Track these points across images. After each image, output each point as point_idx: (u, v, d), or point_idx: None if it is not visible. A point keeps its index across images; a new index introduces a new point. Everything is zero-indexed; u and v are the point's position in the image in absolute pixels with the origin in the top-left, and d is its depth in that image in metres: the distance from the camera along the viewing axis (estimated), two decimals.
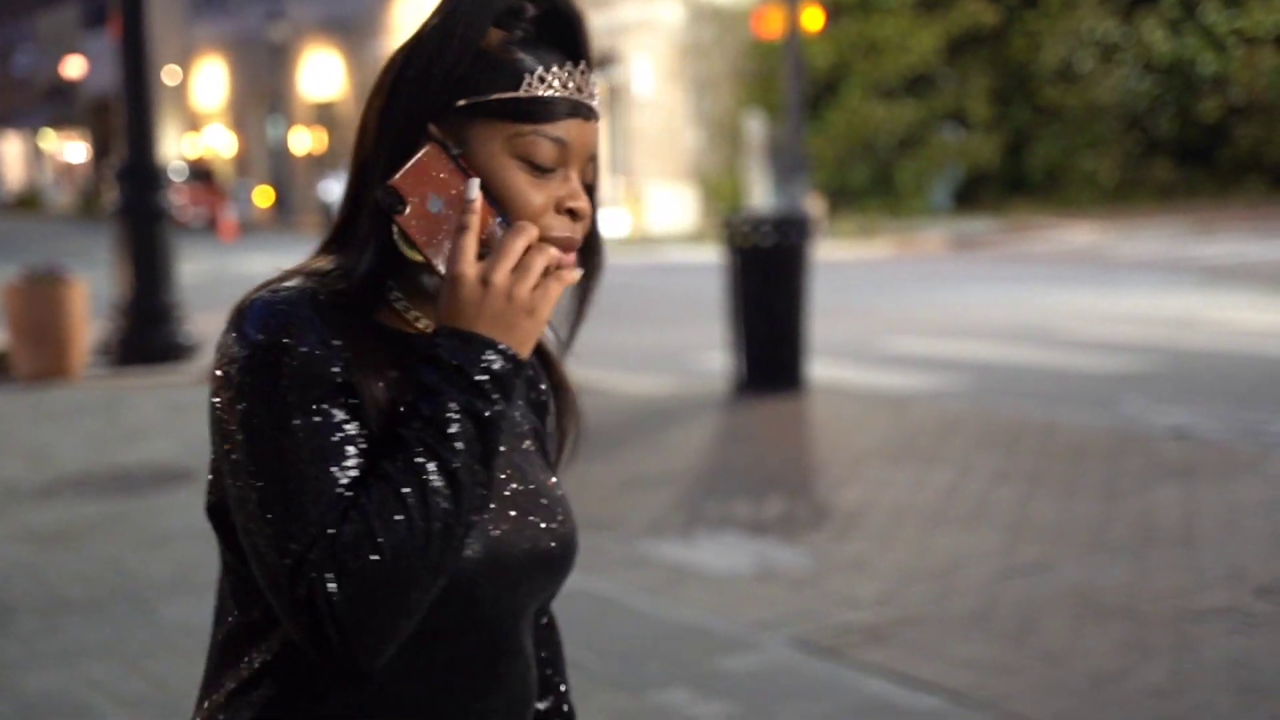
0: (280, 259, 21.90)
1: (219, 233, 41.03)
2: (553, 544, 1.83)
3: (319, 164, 46.22)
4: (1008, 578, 6.60)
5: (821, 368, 12.09)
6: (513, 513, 1.81)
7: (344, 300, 1.74)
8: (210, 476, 1.77)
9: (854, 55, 33.37)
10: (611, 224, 33.95)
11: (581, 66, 1.79)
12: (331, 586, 1.60)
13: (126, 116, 13.77)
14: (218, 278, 26.00)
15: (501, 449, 1.81)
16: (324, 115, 48.36)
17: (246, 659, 1.77)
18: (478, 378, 1.66)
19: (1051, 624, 5.98)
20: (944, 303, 17.99)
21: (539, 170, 1.75)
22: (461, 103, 1.75)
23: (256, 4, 50.19)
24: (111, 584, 7.00)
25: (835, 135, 33.12)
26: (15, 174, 67.69)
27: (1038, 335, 14.62)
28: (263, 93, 51.14)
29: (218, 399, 1.70)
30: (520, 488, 1.83)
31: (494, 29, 1.77)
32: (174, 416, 11.51)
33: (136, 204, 13.68)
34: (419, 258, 1.75)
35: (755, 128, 32.64)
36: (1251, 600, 6.15)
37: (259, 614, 1.75)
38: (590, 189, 1.83)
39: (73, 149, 63.95)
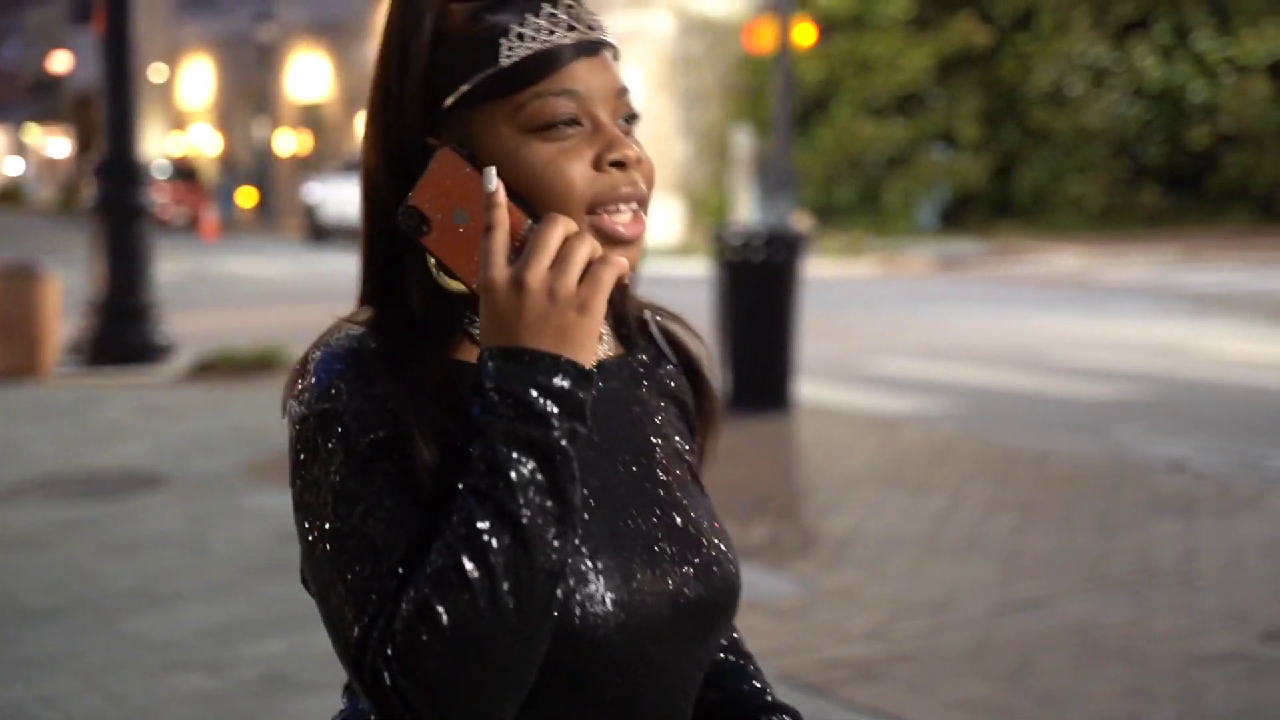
0: (261, 261, 21.72)
1: (200, 232, 40.75)
2: (709, 594, 1.59)
3: (304, 166, 45.96)
4: (1003, 613, 6.37)
5: (807, 387, 11.86)
6: (652, 552, 1.56)
7: (404, 351, 1.53)
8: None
9: (845, 72, 33.23)
10: None
11: (567, 2, 1.56)
12: (396, 668, 1.41)
13: (108, 112, 13.51)
14: (197, 277, 25.77)
15: (639, 483, 1.60)
16: (310, 117, 48.13)
17: None
18: (530, 398, 1.41)
19: (1050, 664, 5.75)
20: (930, 324, 17.79)
21: (558, 130, 1.52)
22: (448, 101, 1.53)
23: (245, 4, 49.94)
24: (73, 593, 6.75)
25: (824, 152, 32.98)
26: None
27: (1026, 359, 14.42)
28: (249, 93, 50.88)
29: (289, 472, 1.55)
30: (667, 531, 1.59)
31: (458, 4, 1.55)
32: (147, 418, 11.26)
33: (115, 200, 13.41)
34: (459, 285, 1.52)
35: (744, 142, 32.46)
36: (1258, 645, 5.92)
37: None
38: (636, 121, 1.61)
39: (56, 144, 63.62)
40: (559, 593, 1.45)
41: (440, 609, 1.39)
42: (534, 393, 1.41)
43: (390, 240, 1.56)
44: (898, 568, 7.07)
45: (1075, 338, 16.20)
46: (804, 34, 29.34)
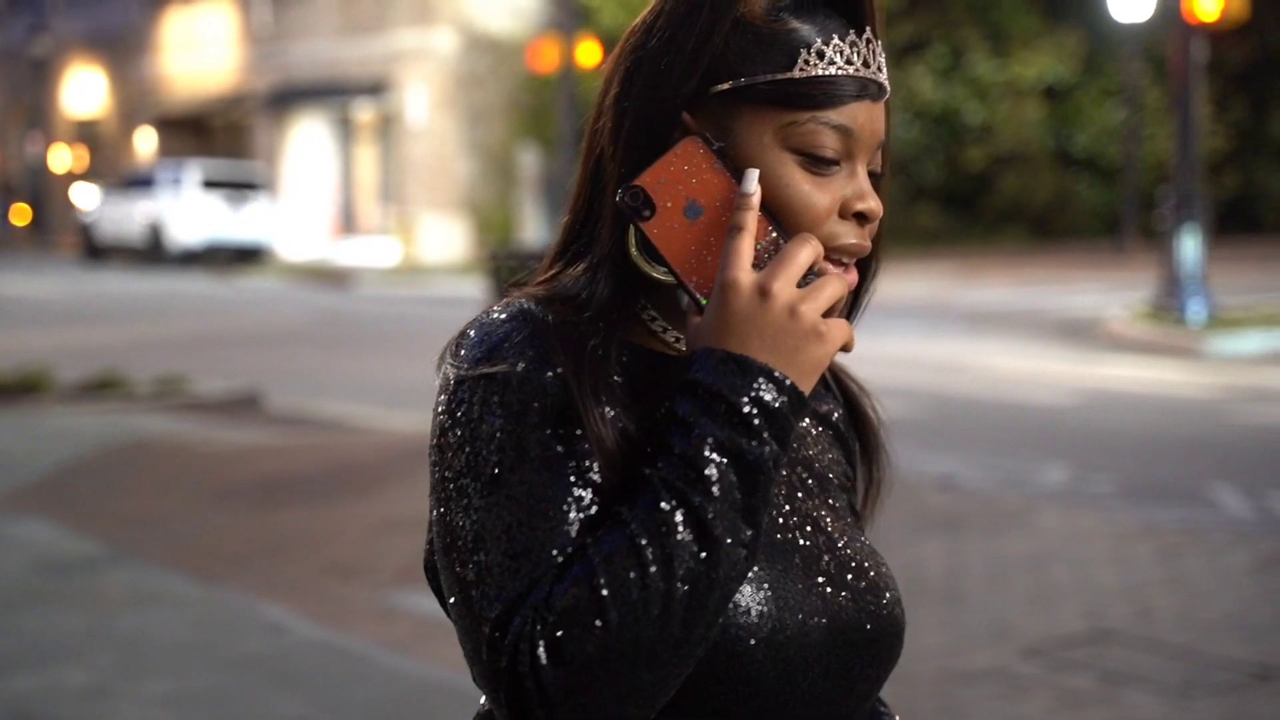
0: (33, 280, 21.20)
1: None
2: (867, 625, 1.50)
3: (79, 183, 44.92)
4: None
5: None
6: (811, 581, 1.48)
7: (577, 324, 1.44)
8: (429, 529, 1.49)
9: None
10: (381, 253, 33.50)
11: (867, 35, 1.48)
12: (542, 658, 1.30)
13: None
14: None
15: (798, 497, 1.53)
16: (85, 133, 47.10)
17: None
18: (746, 409, 1.33)
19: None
20: None
21: (821, 165, 1.45)
22: (723, 86, 1.44)
23: (18, 17, 48.70)
24: None
25: None
26: None
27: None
28: (22, 108, 49.59)
29: (431, 439, 1.45)
30: (824, 550, 1.51)
31: None
32: None
33: None
34: (666, 276, 1.43)
35: (529, 160, 32.43)
36: (1018, 662, 6.00)
37: None
38: (877, 180, 1.54)
39: None
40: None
41: (610, 601, 1.29)
42: (748, 405, 1.34)
43: (594, 208, 1.49)
44: None
45: (851, 355, 16.36)
46: (588, 53, 29.43)
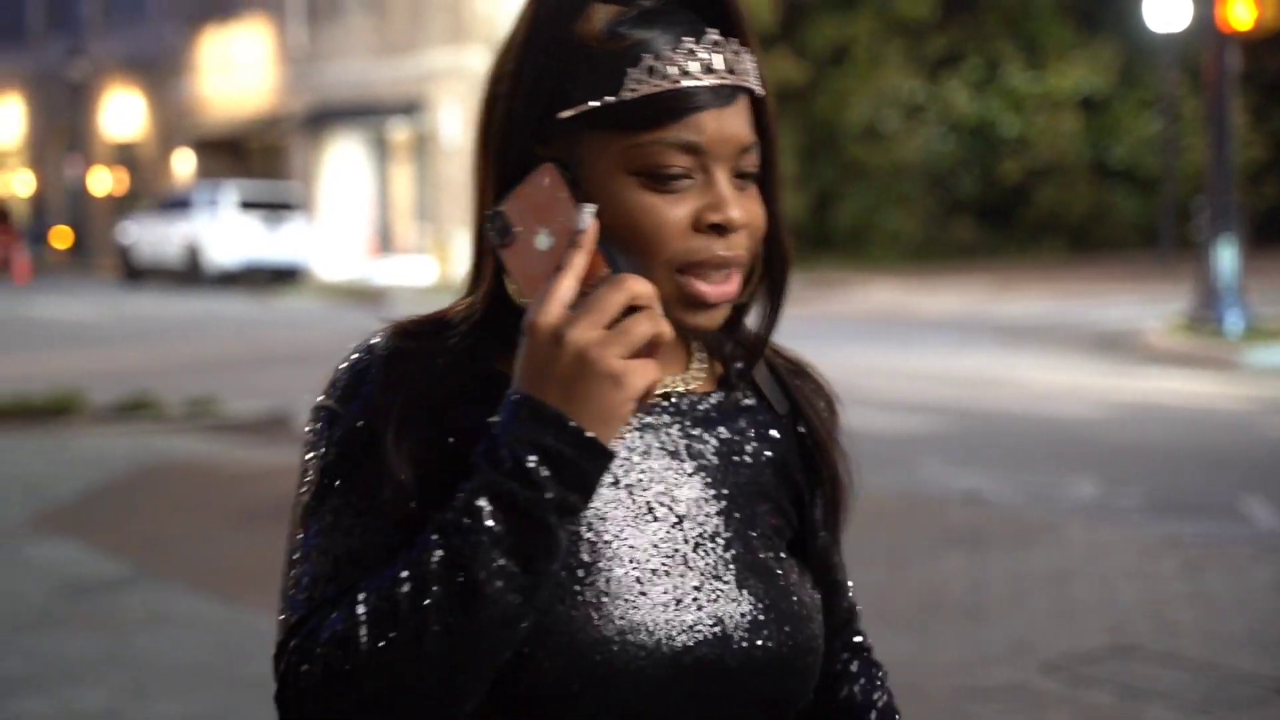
0: (73, 303, 21.27)
1: (12, 275, 39.83)
2: (734, 660, 1.45)
3: (119, 205, 45.18)
4: None
5: None
6: (668, 615, 1.44)
7: (423, 357, 1.47)
8: None
9: None
10: (416, 272, 33.56)
11: (713, 37, 1.43)
12: (303, 673, 1.36)
13: None
14: (5, 322, 25.17)
15: (662, 531, 1.48)
16: (125, 155, 47.36)
17: None
18: (527, 457, 1.32)
19: None
20: None
21: (667, 182, 1.42)
22: (564, 114, 1.43)
23: (56, 40, 49.05)
24: None
25: None
26: None
27: (837, 392, 14.47)
28: (62, 131, 49.91)
29: None
30: (686, 586, 1.46)
31: (602, 5, 1.44)
32: None
33: None
34: (525, 302, 1.43)
35: None
36: (1037, 677, 5.95)
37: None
38: (763, 180, 1.49)
39: None
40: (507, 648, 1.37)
41: (363, 636, 1.33)
42: (533, 455, 1.33)
43: (479, 236, 1.51)
44: None
45: (887, 370, 16.34)
46: None
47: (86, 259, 46.36)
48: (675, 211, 1.43)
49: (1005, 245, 34.97)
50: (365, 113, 36.92)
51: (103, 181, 47.93)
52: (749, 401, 1.62)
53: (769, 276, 1.57)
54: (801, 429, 1.65)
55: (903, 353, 18.10)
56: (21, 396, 13.26)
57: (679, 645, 1.44)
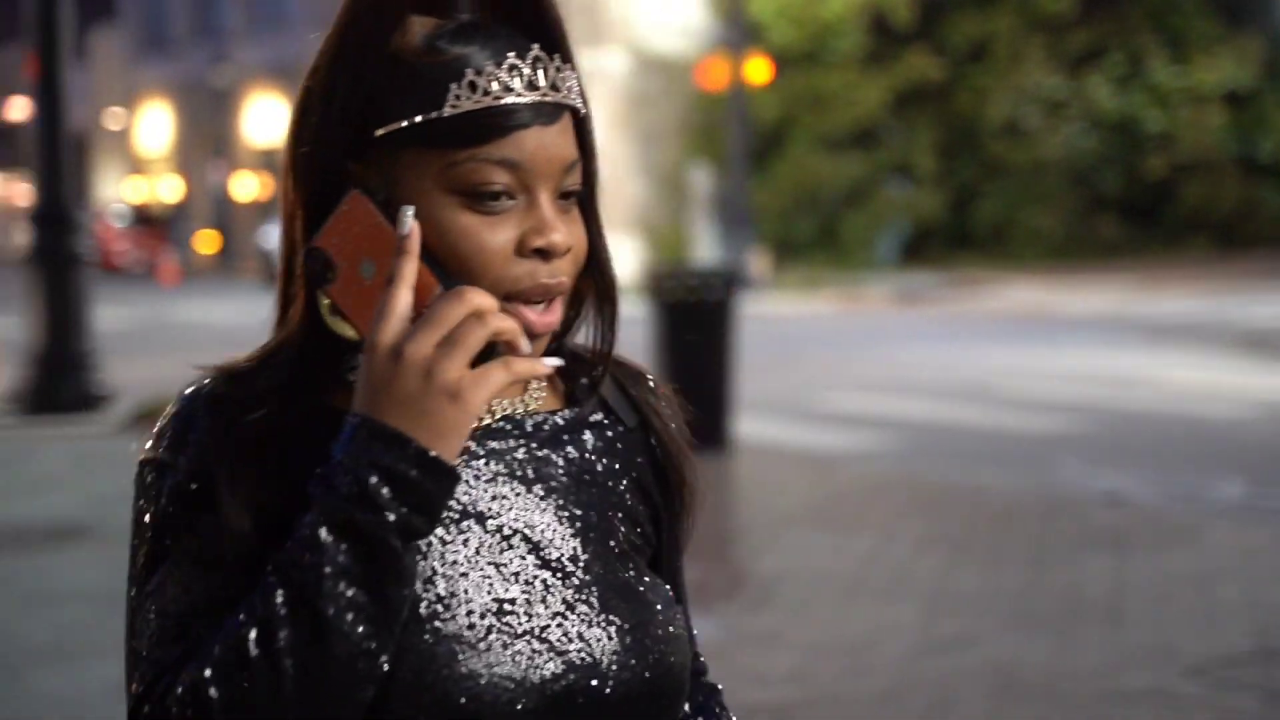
0: (218, 306, 21.58)
1: (159, 278, 40.59)
2: (606, 687, 1.40)
3: (263, 210, 45.86)
4: (924, 653, 6.26)
5: (752, 425, 11.76)
6: (519, 648, 1.38)
7: (245, 401, 1.41)
8: None
9: (800, 108, 33.27)
10: None
11: (534, 53, 1.39)
12: None
13: (39, 158, 13.38)
14: (153, 324, 25.63)
15: (507, 556, 1.42)
16: (268, 160, 48.04)
17: None
18: (368, 479, 1.28)
19: (968, 704, 5.65)
20: (885, 359, 17.72)
21: (486, 202, 1.36)
22: (379, 132, 1.37)
23: (200, 48, 49.89)
24: None
25: (781, 188, 32.99)
26: None
27: (976, 393, 14.35)
28: (207, 137, 50.76)
29: None
30: (539, 605, 1.41)
31: (420, 18, 1.38)
32: (79, 469, 11.10)
33: (49, 248, 13.27)
34: (353, 333, 1.39)
35: (700, 179, 32.45)
36: (1179, 681, 5.83)
37: None
38: (584, 202, 1.45)
39: (19, 192, 63.38)
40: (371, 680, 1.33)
41: (214, 691, 1.29)
42: (374, 476, 1.28)
43: (290, 269, 1.44)
44: (823, 609, 6.97)
45: (1027, 370, 16.15)
46: (757, 71, 29.42)
47: (231, 262, 47.12)
48: (497, 235, 1.38)
49: (1150, 243, 34.43)
50: None
51: (246, 186, 48.67)
52: (596, 417, 1.55)
53: (598, 297, 1.51)
54: (652, 440, 1.58)
55: (1044, 352, 17.87)
56: (168, 399, 13.46)
57: (546, 675, 1.39)
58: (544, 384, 1.52)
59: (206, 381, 1.44)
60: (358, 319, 1.36)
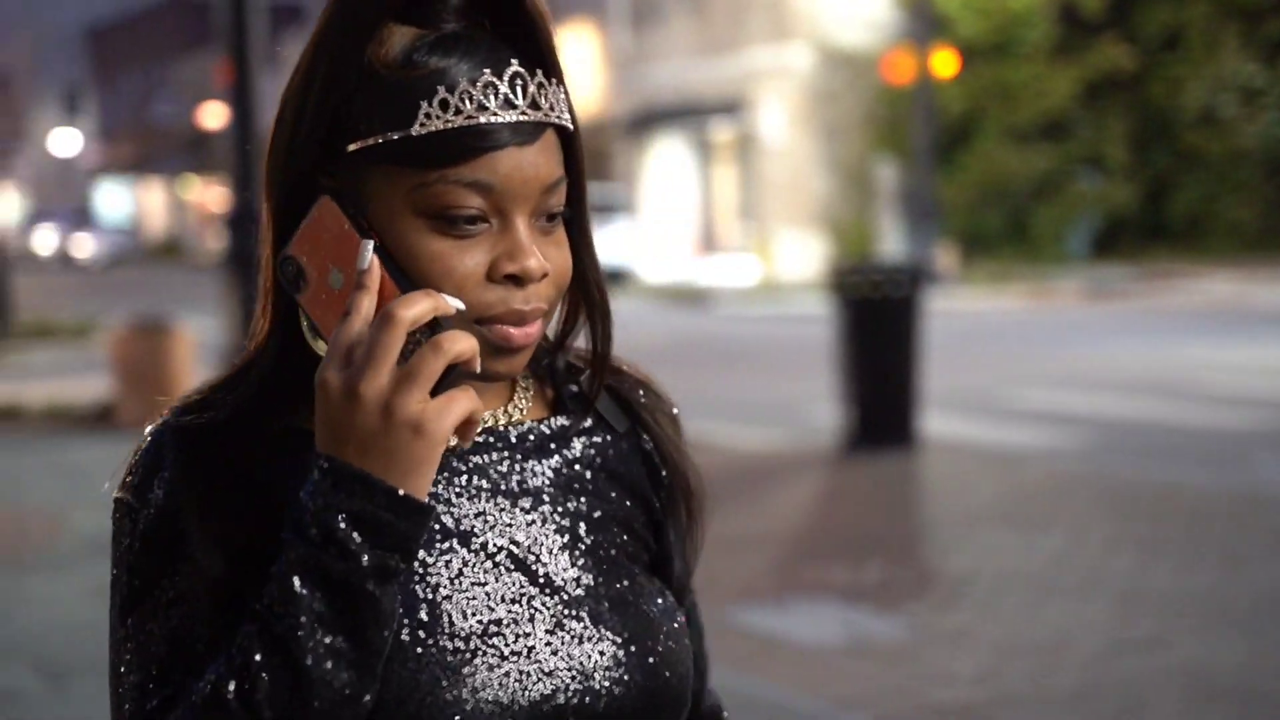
0: None
1: None
2: (572, 698, 1.36)
3: None
4: (1116, 654, 6.16)
5: (939, 422, 11.65)
6: (504, 664, 1.34)
7: (216, 431, 1.36)
8: None
9: (988, 100, 32.85)
10: (740, 272, 33.69)
11: (514, 66, 1.32)
12: None
13: (233, 163, 13.68)
14: None
15: (501, 578, 1.38)
16: None
17: None
18: (335, 524, 1.23)
19: (1160, 705, 5.55)
20: (1075, 354, 17.43)
21: (457, 226, 1.30)
22: (350, 147, 1.31)
23: None
24: None
25: (969, 182, 32.60)
26: (157, 222, 68.79)
27: (1170, 389, 14.06)
28: None
29: None
30: (526, 624, 1.37)
31: (400, 28, 1.32)
32: None
33: (243, 252, 13.55)
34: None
35: (886, 174, 32.21)
36: None
37: None
38: (571, 221, 1.39)
39: (214, 196, 64.84)
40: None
41: None
42: (343, 522, 1.23)
43: (273, 283, 1.38)
44: (1012, 608, 6.88)
45: (1222, 365, 15.79)
46: (944, 63, 29.11)
47: None
48: (467, 260, 1.31)
49: None
50: (688, 114, 37.20)
51: None
52: (585, 424, 1.50)
53: (589, 312, 1.47)
54: (646, 444, 1.53)
55: (1239, 347, 17.44)
56: None
57: (535, 696, 1.34)
58: (529, 393, 1.48)
59: (170, 416, 1.39)
60: (325, 328, 1.32)
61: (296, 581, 1.23)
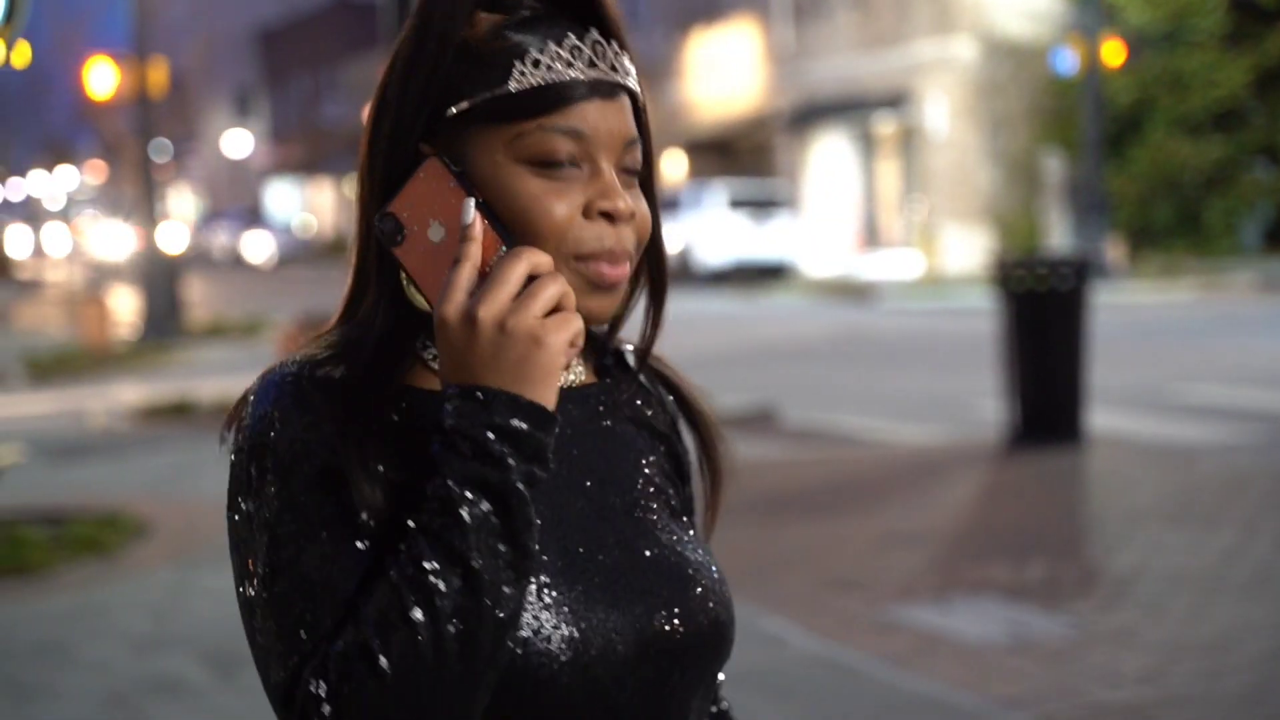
0: None
1: None
2: (679, 632, 1.49)
3: None
4: None
5: (1106, 417, 11.48)
6: (615, 596, 1.47)
7: (350, 376, 1.45)
8: None
9: (1158, 90, 32.26)
10: (903, 266, 33.45)
11: (594, 37, 1.49)
12: (329, 710, 1.34)
13: None
14: None
15: (595, 513, 1.53)
16: None
17: None
18: (485, 439, 1.34)
19: None
20: (1247, 349, 17.07)
21: (554, 169, 1.45)
22: (451, 111, 1.47)
23: None
24: None
25: (1138, 173, 32.06)
26: (326, 221, 69.84)
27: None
28: None
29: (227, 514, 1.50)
30: (627, 563, 1.50)
31: (486, 15, 1.49)
32: None
33: None
34: (425, 303, 1.45)
35: (1053, 166, 31.80)
36: None
37: None
38: (645, 181, 1.54)
39: None
40: (510, 640, 1.38)
41: (380, 652, 1.33)
42: (490, 434, 1.35)
43: (373, 250, 1.50)
44: (1179, 607, 6.76)
45: None
46: (1113, 53, 28.67)
47: None
48: (564, 200, 1.45)
49: None
50: (851, 107, 36.97)
51: None
52: (629, 387, 1.64)
53: (651, 277, 1.59)
54: (685, 419, 1.69)
55: None
56: None
57: (638, 622, 1.47)
58: (581, 361, 1.60)
59: (292, 368, 1.46)
60: (422, 281, 1.43)
61: (459, 492, 1.34)
